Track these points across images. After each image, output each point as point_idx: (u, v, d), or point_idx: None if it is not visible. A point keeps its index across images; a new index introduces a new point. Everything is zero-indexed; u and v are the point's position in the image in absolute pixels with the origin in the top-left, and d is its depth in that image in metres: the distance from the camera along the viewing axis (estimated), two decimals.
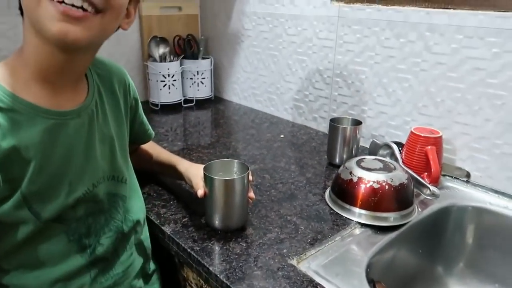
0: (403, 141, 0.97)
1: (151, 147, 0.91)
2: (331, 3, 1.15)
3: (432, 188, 0.85)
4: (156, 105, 1.44)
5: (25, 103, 0.55)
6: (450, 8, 0.91)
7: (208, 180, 0.72)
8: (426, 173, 0.90)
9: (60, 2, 0.49)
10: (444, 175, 0.96)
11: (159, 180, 0.92)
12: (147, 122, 0.86)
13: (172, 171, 0.85)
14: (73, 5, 0.50)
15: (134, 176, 0.76)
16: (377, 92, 1.09)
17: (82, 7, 0.51)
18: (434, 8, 0.93)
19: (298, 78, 1.30)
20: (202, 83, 1.51)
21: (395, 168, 0.80)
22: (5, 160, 0.52)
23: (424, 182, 0.86)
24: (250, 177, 0.74)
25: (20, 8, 0.56)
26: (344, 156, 1.00)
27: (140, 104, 0.81)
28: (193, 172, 0.79)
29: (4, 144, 0.52)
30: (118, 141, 0.70)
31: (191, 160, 1.01)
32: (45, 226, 0.58)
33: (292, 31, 1.28)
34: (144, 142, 0.89)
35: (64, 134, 0.59)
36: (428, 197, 0.86)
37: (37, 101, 0.56)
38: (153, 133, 0.89)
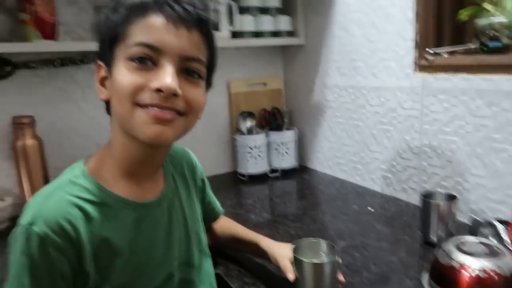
0: (508, 218, 0.88)
1: (225, 224, 0.93)
2: (414, 74, 1.15)
3: None
4: (244, 176, 1.52)
5: (114, 196, 0.60)
6: None
7: (297, 262, 0.72)
8: None
9: (152, 106, 0.55)
10: None
11: (244, 256, 0.93)
12: (215, 200, 0.90)
13: (253, 248, 0.86)
14: (162, 108, 0.56)
15: (209, 260, 0.78)
16: (472, 163, 1.03)
17: (169, 109, 0.57)
18: None
19: (383, 148, 1.29)
20: (287, 153, 1.56)
21: (503, 254, 0.72)
22: (98, 251, 0.57)
23: None
24: (340, 260, 0.73)
25: (107, 109, 0.63)
26: (439, 233, 0.94)
27: (207, 184, 0.85)
28: (280, 252, 0.80)
29: (98, 236, 0.57)
30: (192, 224, 0.73)
31: (277, 233, 1.03)
32: None
33: (375, 102, 1.29)
34: (214, 220, 0.91)
35: (147, 225, 0.63)
36: None
37: (124, 194, 0.61)
38: (222, 210, 0.92)
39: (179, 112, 0.58)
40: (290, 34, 1.55)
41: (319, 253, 0.77)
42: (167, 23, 0.56)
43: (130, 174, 0.63)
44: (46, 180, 1.20)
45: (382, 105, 1.27)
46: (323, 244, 0.78)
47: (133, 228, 0.61)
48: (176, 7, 0.56)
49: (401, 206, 1.19)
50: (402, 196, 1.25)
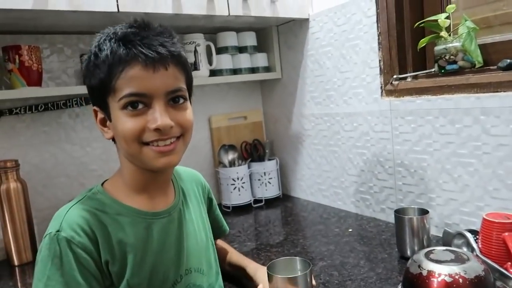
0: (478, 228, 0.91)
1: (224, 248, 0.98)
2: (382, 98, 1.21)
3: None
4: (228, 207, 1.54)
5: (128, 207, 0.69)
6: (500, 92, 0.91)
7: (271, 280, 0.74)
8: (509, 263, 0.82)
9: (156, 146, 0.65)
10: None
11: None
12: (222, 219, 0.96)
13: (242, 273, 0.90)
14: (164, 140, 0.65)
15: (218, 273, 0.83)
16: (442, 178, 1.07)
17: (170, 138, 0.66)
18: (484, 93, 0.95)
19: (360, 171, 1.33)
20: (270, 183, 1.59)
21: (468, 259, 0.75)
22: (114, 249, 0.65)
23: (508, 274, 0.78)
24: (314, 282, 0.75)
25: (113, 139, 0.70)
26: (416, 248, 0.96)
27: (214, 202, 0.94)
28: (260, 277, 0.83)
29: (114, 237, 0.65)
30: (201, 235, 0.79)
31: (259, 260, 1.04)
32: None
33: (348, 127, 1.34)
34: (218, 237, 0.96)
35: (158, 230, 0.71)
36: None
37: (137, 206, 0.70)
38: (227, 229, 0.98)
39: (177, 137, 0.67)
40: (267, 69, 1.63)
41: (295, 270, 0.79)
42: (146, 70, 0.62)
43: (141, 191, 0.72)
44: (30, 222, 1.21)
45: (355, 130, 1.32)
46: (298, 261, 0.80)
47: (145, 232, 0.69)
48: (149, 53, 0.62)
49: (380, 226, 1.22)
50: (381, 216, 1.27)
